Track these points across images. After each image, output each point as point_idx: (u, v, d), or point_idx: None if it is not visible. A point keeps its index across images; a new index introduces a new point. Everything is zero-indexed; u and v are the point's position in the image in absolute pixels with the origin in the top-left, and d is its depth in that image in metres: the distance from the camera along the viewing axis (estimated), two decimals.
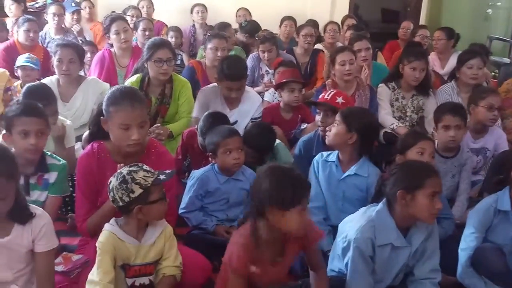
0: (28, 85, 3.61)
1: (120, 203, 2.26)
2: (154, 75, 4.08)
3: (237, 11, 7.57)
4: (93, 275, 2.24)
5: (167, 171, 2.35)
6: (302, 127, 4.27)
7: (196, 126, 3.64)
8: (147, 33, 5.61)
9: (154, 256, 2.36)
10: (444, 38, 6.06)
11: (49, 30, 6.17)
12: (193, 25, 7.23)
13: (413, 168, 2.47)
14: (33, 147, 2.69)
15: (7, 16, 6.58)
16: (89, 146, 2.71)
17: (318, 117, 3.55)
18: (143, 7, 7.18)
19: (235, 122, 3.70)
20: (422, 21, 8.63)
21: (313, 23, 6.88)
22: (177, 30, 6.60)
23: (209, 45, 4.95)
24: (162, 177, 2.30)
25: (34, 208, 2.28)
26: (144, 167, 2.31)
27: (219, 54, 4.85)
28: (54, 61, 4.13)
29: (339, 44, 6.28)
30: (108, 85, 4.31)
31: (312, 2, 8.11)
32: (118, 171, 2.32)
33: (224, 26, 6.34)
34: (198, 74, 4.93)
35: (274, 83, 4.90)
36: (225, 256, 2.25)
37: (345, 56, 4.30)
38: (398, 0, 9.84)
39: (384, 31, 8.26)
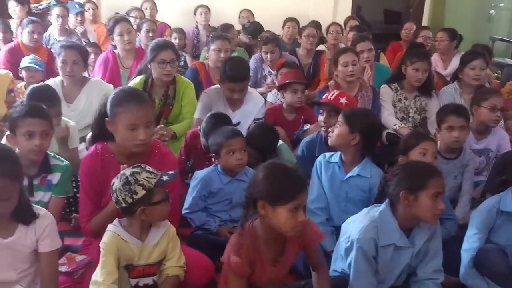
0: (32, 86, 3.63)
1: (123, 205, 2.27)
2: (157, 76, 4.10)
3: (240, 12, 7.58)
4: (97, 275, 2.24)
5: (170, 172, 2.36)
6: (305, 128, 4.27)
7: (198, 127, 3.65)
8: (150, 34, 5.63)
9: (158, 256, 2.37)
10: (446, 39, 6.07)
11: (53, 32, 6.18)
12: (196, 27, 7.24)
13: (416, 169, 2.47)
14: (38, 148, 2.71)
15: (11, 17, 6.60)
16: (92, 147, 2.72)
17: (321, 118, 3.56)
18: (146, 9, 7.20)
19: (238, 123, 3.70)
20: (424, 22, 8.62)
21: (315, 24, 6.88)
22: (180, 31, 6.61)
23: (212, 47, 4.96)
24: (165, 178, 2.30)
25: (38, 209, 2.29)
26: (147, 168, 2.31)
27: (222, 55, 4.86)
28: (58, 62, 4.15)
29: (342, 45, 6.28)
30: (111, 86, 4.32)
31: (314, 3, 8.11)
32: (121, 172, 2.32)
33: (227, 27, 6.35)
34: (201, 75, 4.94)
35: (276, 84, 4.91)
36: (224, 256, 2.25)
37: (348, 57, 4.31)
38: (401, 1, 9.83)
39: (386, 32, 8.26)
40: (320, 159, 3.15)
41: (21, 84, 4.66)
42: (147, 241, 2.34)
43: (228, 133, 3.10)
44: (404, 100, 4.42)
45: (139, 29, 5.74)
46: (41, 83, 4.07)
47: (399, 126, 4.21)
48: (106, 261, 2.24)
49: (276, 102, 4.81)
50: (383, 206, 2.48)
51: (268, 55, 5.45)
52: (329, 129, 3.19)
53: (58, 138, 3.39)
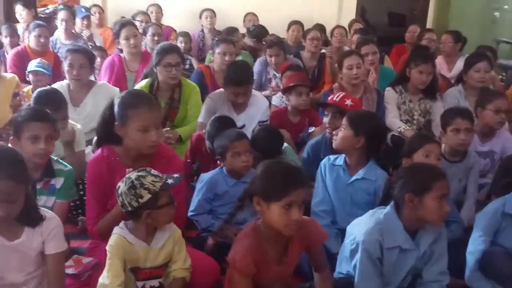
0: (39, 90, 3.65)
1: (129, 208, 2.28)
2: (163, 79, 4.12)
3: (245, 16, 7.60)
4: (104, 278, 2.25)
5: (175, 175, 2.37)
6: (309, 131, 4.27)
7: (203, 130, 3.67)
8: (156, 38, 5.65)
9: (164, 259, 2.38)
10: (451, 41, 6.06)
11: (60, 36, 6.22)
12: (202, 30, 7.27)
13: (420, 171, 2.47)
14: (43, 152, 2.72)
15: (18, 21, 6.65)
16: (99, 151, 2.74)
17: (326, 119, 3.57)
18: (152, 13, 7.24)
19: (243, 126, 3.72)
20: (429, 24, 8.62)
21: (319, 27, 6.90)
22: (186, 35, 6.65)
23: (217, 50, 4.97)
24: (170, 181, 2.31)
25: (44, 211, 2.29)
26: (152, 171, 2.32)
27: (227, 58, 4.87)
28: (65, 66, 4.17)
29: (346, 48, 6.29)
30: (118, 90, 4.34)
31: (319, 6, 8.12)
32: (127, 176, 2.33)
33: (232, 30, 6.37)
34: (206, 79, 4.95)
35: (281, 87, 4.92)
36: (229, 256, 2.26)
37: (352, 60, 4.32)
38: (405, 4, 9.85)
39: (391, 35, 8.26)
40: (324, 161, 3.14)
41: (28, 88, 4.70)
42: (153, 244, 2.35)
43: (233, 136, 3.12)
44: (409, 103, 4.43)
45: (144, 33, 5.76)
46: (48, 87, 4.10)
47: (403, 128, 4.22)
48: (112, 263, 2.25)
49: (281, 105, 4.82)
50: (388, 208, 2.48)
51: (273, 58, 5.46)
52: (334, 132, 3.19)
53: (64, 142, 3.41)
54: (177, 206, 2.41)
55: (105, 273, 2.26)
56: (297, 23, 6.96)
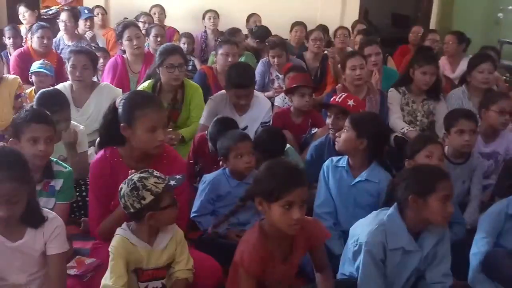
0: (41, 90, 3.67)
1: (132, 210, 2.27)
2: (166, 80, 4.12)
3: (250, 17, 7.56)
4: (107, 279, 2.25)
5: (177, 177, 2.36)
6: (312, 132, 4.27)
7: (205, 132, 3.66)
8: (159, 39, 5.66)
9: (166, 260, 2.37)
10: (455, 42, 6.05)
11: (63, 37, 6.23)
12: (205, 31, 7.26)
13: (424, 172, 2.47)
14: (42, 153, 2.73)
15: (21, 23, 6.66)
16: (101, 151, 2.74)
17: (328, 120, 3.56)
18: (155, 14, 7.24)
19: (245, 128, 3.72)
20: (432, 25, 8.60)
21: (322, 28, 6.90)
22: (189, 36, 6.65)
23: (220, 51, 4.97)
24: (172, 183, 2.31)
25: (47, 212, 2.30)
26: (155, 173, 2.32)
27: (230, 59, 4.87)
28: (68, 67, 4.18)
29: (349, 49, 6.29)
30: (120, 91, 4.35)
31: (322, 7, 8.11)
32: (129, 177, 2.32)
33: (234, 31, 6.37)
34: (209, 80, 4.96)
35: (284, 88, 4.92)
36: (236, 256, 2.25)
37: (356, 61, 4.31)
38: (409, 5, 9.83)
39: (394, 35, 8.23)
40: (327, 163, 3.13)
41: (30, 89, 4.71)
42: (155, 245, 2.34)
43: (236, 137, 3.12)
44: (412, 104, 4.42)
45: (147, 34, 5.77)
46: (51, 88, 4.11)
47: (407, 129, 4.21)
48: (115, 264, 2.25)
49: (283, 106, 4.81)
50: (391, 209, 2.47)
51: (275, 59, 5.46)
52: (337, 134, 3.18)
53: (66, 143, 3.41)
54: (179, 207, 2.40)
55: (108, 274, 2.26)
56: (300, 24, 6.96)
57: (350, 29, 7.16)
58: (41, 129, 2.74)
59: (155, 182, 2.26)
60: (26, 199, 2.15)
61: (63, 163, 2.96)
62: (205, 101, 4.30)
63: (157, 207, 2.26)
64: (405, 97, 4.43)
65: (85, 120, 4.06)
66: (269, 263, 2.25)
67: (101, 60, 5.23)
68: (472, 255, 2.74)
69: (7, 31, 5.95)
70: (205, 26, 7.27)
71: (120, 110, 2.63)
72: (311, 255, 2.43)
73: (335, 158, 3.13)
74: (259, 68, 5.58)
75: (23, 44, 5.96)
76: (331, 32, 7.17)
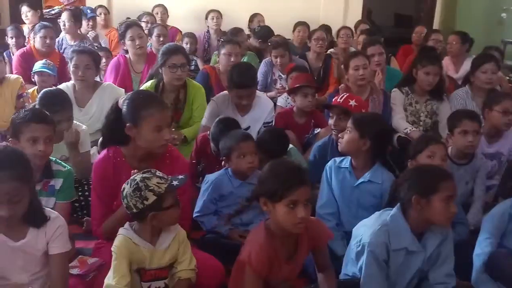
0: (44, 90, 3.66)
1: (134, 210, 2.27)
2: (168, 80, 4.12)
3: (254, 17, 7.53)
4: (109, 279, 2.25)
5: (180, 177, 2.36)
6: (315, 132, 4.27)
7: (207, 133, 3.66)
8: (161, 39, 5.65)
9: (169, 260, 2.37)
10: (458, 42, 6.04)
11: (66, 36, 6.23)
12: (208, 31, 7.26)
13: (427, 173, 2.46)
14: (42, 153, 2.73)
15: (24, 23, 6.67)
16: (104, 151, 2.74)
17: (331, 121, 3.55)
18: (157, 14, 7.24)
19: (248, 128, 3.71)
20: (435, 25, 8.59)
21: (325, 28, 6.88)
22: (192, 36, 6.66)
23: (223, 51, 4.97)
24: (175, 183, 2.31)
25: (49, 212, 2.30)
26: (157, 173, 2.32)
27: (232, 59, 4.87)
28: (70, 67, 4.18)
29: (352, 49, 6.28)
30: (123, 90, 4.34)
31: (325, 7, 8.11)
32: (131, 177, 2.32)
33: (236, 31, 6.37)
34: (211, 80, 4.95)
35: (286, 88, 4.91)
36: (243, 255, 2.24)
37: (359, 61, 4.30)
38: (412, 5, 9.83)
39: (397, 36, 8.24)
40: (330, 164, 3.12)
41: (33, 89, 4.71)
42: (158, 245, 2.34)
43: (239, 137, 3.11)
44: (415, 104, 4.41)
45: (150, 33, 5.77)
46: (53, 87, 4.11)
47: (410, 129, 4.20)
48: (118, 264, 2.25)
49: (286, 106, 4.81)
50: (394, 210, 2.47)
51: (278, 59, 5.45)
52: (339, 135, 3.17)
53: (68, 143, 3.41)
54: (182, 207, 2.40)
55: (111, 274, 2.26)
56: (303, 24, 6.94)
57: (353, 29, 7.14)
58: (41, 129, 2.74)
59: (157, 183, 2.26)
60: (28, 199, 2.15)
61: (62, 162, 2.96)
62: (208, 101, 4.29)
63: (159, 208, 2.26)
64: (408, 97, 4.42)
65: (87, 120, 4.06)
66: (275, 262, 2.25)
67: (103, 60, 5.24)
68: (475, 256, 2.73)
69: (9, 31, 5.95)
70: (208, 26, 7.27)
71: (124, 110, 2.63)
72: (314, 255, 2.44)
73: (338, 159, 3.12)
74: (261, 68, 5.58)
75: (25, 44, 5.96)
76: (334, 32, 7.15)
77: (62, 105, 3.41)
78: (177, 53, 4.09)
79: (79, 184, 3.42)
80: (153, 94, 2.81)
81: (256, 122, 4.09)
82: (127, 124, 2.60)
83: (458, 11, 8.90)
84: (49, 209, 2.35)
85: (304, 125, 4.36)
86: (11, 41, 5.89)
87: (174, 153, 2.83)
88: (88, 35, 6.51)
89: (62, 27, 6.15)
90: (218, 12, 7.24)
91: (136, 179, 2.27)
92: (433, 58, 4.43)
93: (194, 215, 3.08)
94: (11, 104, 4.41)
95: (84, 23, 6.55)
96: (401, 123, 4.29)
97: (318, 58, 5.95)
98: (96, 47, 5.81)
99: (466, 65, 5.49)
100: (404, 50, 6.95)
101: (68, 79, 4.41)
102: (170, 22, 7.45)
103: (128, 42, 5.00)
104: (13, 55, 5.67)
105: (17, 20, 6.92)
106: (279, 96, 5.12)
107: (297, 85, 4.34)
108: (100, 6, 7.35)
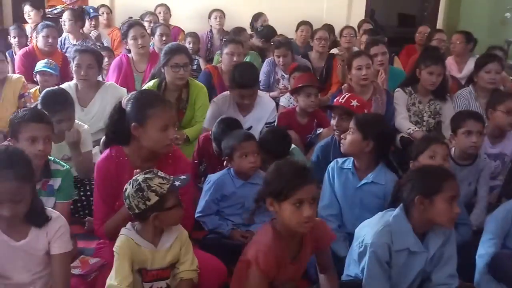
0: (46, 90, 3.66)
1: (136, 211, 2.27)
2: (170, 80, 4.11)
3: (259, 16, 7.50)
4: (112, 279, 2.24)
5: (182, 177, 2.35)
6: (318, 132, 4.26)
7: (210, 132, 3.66)
8: (164, 38, 5.65)
9: (171, 260, 2.37)
10: (463, 41, 6.02)
11: (68, 36, 6.23)
12: (210, 30, 7.25)
13: (430, 173, 2.45)
14: (41, 152, 2.73)
15: (26, 22, 6.67)
16: (107, 151, 2.73)
17: (333, 122, 3.54)
18: (160, 13, 7.24)
19: (250, 128, 3.70)
20: (439, 25, 8.56)
21: (328, 27, 6.87)
22: (194, 35, 6.65)
23: (225, 50, 4.97)
24: (177, 183, 2.30)
25: (51, 211, 2.30)
26: (160, 173, 2.31)
27: (235, 59, 4.87)
28: (73, 66, 4.18)
29: (355, 49, 6.26)
30: (125, 90, 4.34)
31: (328, 6, 8.08)
32: (133, 178, 2.32)
33: (239, 30, 6.36)
34: (214, 79, 4.95)
35: (289, 88, 4.89)
36: (249, 255, 2.23)
37: (362, 60, 4.28)
38: (415, 4, 9.80)
39: (400, 35, 8.21)
40: (332, 165, 3.10)
41: (35, 88, 4.71)
42: (159, 245, 2.34)
43: (241, 136, 3.11)
44: (418, 104, 4.39)
45: (152, 33, 5.77)
46: (56, 87, 4.11)
47: (413, 130, 4.18)
48: (120, 265, 2.25)
49: (289, 106, 4.80)
50: (397, 210, 2.46)
51: (281, 59, 5.44)
52: (342, 136, 3.15)
53: (70, 143, 3.41)
54: (184, 207, 2.39)
55: (113, 274, 2.25)
56: (306, 23, 6.93)
57: (356, 28, 7.13)
58: (40, 128, 2.74)
59: (160, 183, 2.25)
60: (30, 198, 2.15)
61: (61, 162, 2.96)
62: (210, 100, 4.28)
63: (162, 208, 2.25)
64: (412, 97, 4.40)
65: (89, 119, 4.06)
66: (281, 263, 2.25)
67: (106, 59, 5.23)
68: (478, 257, 2.72)
69: (12, 30, 5.96)
70: (211, 26, 7.26)
71: (129, 109, 2.63)
72: (316, 256, 2.44)
73: (340, 160, 3.10)
74: (264, 68, 5.57)
75: (28, 43, 5.96)
76: (337, 31, 7.14)
77: (64, 105, 3.41)
78: (179, 53, 4.08)
79: (81, 184, 3.43)
80: (158, 93, 2.82)
81: (257, 122, 4.09)
82: (133, 124, 2.59)
83: (462, 10, 8.87)
84: (50, 209, 2.35)
85: (306, 125, 4.35)
86: (13, 41, 5.90)
87: (176, 153, 2.82)
88: (90, 34, 6.52)
89: (63, 26, 6.15)
90: (221, 11, 7.23)
91: (138, 180, 2.27)
92: (437, 58, 4.41)
93: (196, 215, 3.07)
94: (13, 104, 4.41)
95: (86, 22, 6.54)
96: (404, 123, 4.28)
97: (321, 57, 5.94)
98: (98, 47, 5.81)
99: (470, 65, 5.48)
100: (407, 50, 6.93)
101: (71, 79, 4.41)
102: (173, 21, 7.45)
103: (130, 42, 5.00)
104: (15, 54, 5.67)
105: (19, 19, 6.92)
106: (281, 96, 5.11)
107: (300, 85, 4.33)
108: (103, 5, 7.36)
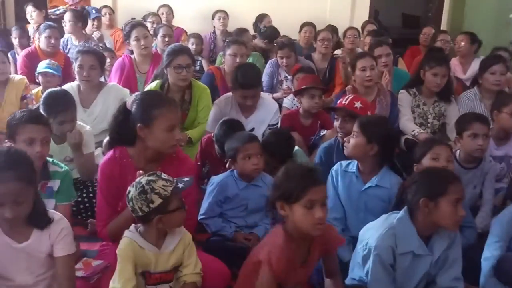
0: (48, 91, 3.65)
1: (140, 213, 2.26)
2: (173, 81, 4.10)
3: (264, 17, 7.49)
4: (115, 282, 2.24)
5: (185, 179, 2.34)
6: (321, 134, 4.25)
7: (212, 134, 3.64)
8: (166, 39, 5.64)
9: (174, 263, 2.36)
10: (467, 42, 6.00)
11: (71, 37, 6.23)
12: (214, 31, 7.25)
13: (435, 175, 2.44)
14: (39, 154, 2.72)
15: (28, 23, 6.68)
16: (111, 152, 2.73)
17: (336, 123, 3.52)
18: (163, 14, 7.23)
19: (252, 130, 3.69)
20: (443, 26, 8.53)
21: (331, 28, 6.85)
22: (197, 37, 6.65)
23: (228, 51, 4.96)
24: (180, 185, 2.29)
25: (53, 213, 2.29)
26: (163, 176, 2.30)
27: (238, 60, 4.86)
28: (75, 67, 4.18)
29: (359, 50, 6.25)
30: (128, 91, 4.33)
31: (332, 7, 8.08)
32: (137, 180, 2.31)
33: (241, 31, 6.35)
34: (217, 80, 4.94)
35: (292, 89, 4.87)
36: (262, 256, 2.21)
37: (366, 62, 4.27)
38: (419, 5, 9.78)
39: (404, 36, 8.18)
40: (336, 168, 3.08)
41: (37, 89, 4.71)
42: (163, 248, 2.33)
43: (244, 138, 3.10)
44: (423, 106, 4.37)
45: (155, 34, 5.76)
46: (58, 88, 4.10)
47: (417, 132, 4.15)
48: (123, 267, 2.24)
49: (292, 107, 4.79)
50: (401, 213, 2.45)
51: (284, 60, 5.43)
52: (345, 139, 3.13)
53: (72, 144, 3.39)
54: (187, 209, 2.38)
55: (116, 277, 2.25)
56: (309, 24, 6.91)
57: (360, 29, 7.11)
58: (37, 130, 2.74)
59: (163, 185, 2.24)
60: (32, 200, 2.14)
61: (59, 163, 2.95)
62: (213, 102, 4.27)
63: (165, 210, 2.24)
64: (416, 99, 4.38)
65: (92, 120, 4.06)
66: (291, 265, 2.24)
67: (108, 60, 5.22)
68: (484, 259, 2.71)
69: (13, 31, 5.97)
70: (214, 27, 7.25)
71: (134, 110, 2.62)
72: (323, 260, 2.44)
73: (344, 163, 3.07)
74: (267, 69, 5.56)
75: (30, 44, 5.97)
76: (340, 32, 7.12)
77: (66, 106, 3.40)
78: (182, 54, 4.07)
79: (83, 186, 3.42)
80: (162, 94, 2.80)
81: (260, 124, 4.07)
82: (138, 125, 2.59)
83: (466, 11, 8.84)
84: (53, 211, 2.35)
85: (310, 126, 4.34)
86: (14, 41, 5.90)
87: (180, 154, 2.82)
88: (93, 35, 6.52)
89: (64, 27, 6.15)
90: (225, 12, 7.23)
91: (141, 182, 2.26)
92: (441, 59, 4.39)
93: (199, 217, 3.06)
94: (16, 105, 4.41)
95: (89, 23, 6.54)
96: (408, 125, 4.25)
97: (324, 59, 5.92)
98: (101, 48, 5.82)
99: (474, 66, 5.46)
100: (411, 51, 6.91)
101: (73, 80, 4.41)
102: (176, 22, 7.44)
103: (133, 43, 4.99)
104: (18, 55, 5.67)
105: (22, 20, 6.94)
106: (285, 97, 5.10)
107: (304, 87, 4.31)
108: (105, 6, 7.36)
